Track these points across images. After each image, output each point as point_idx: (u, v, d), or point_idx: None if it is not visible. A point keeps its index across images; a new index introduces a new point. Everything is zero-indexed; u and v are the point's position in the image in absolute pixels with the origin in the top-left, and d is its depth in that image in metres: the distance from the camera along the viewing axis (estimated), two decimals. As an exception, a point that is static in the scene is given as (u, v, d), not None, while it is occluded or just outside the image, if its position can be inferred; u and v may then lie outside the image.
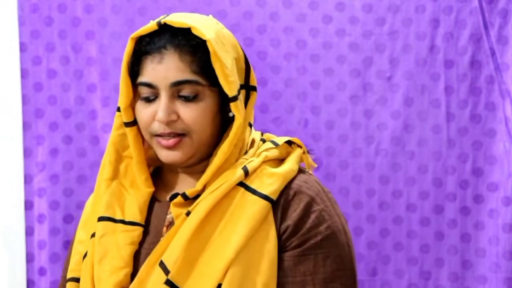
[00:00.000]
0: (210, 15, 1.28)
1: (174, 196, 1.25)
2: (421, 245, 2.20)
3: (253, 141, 1.28)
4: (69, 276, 1.28)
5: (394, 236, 2.20)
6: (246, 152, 1.25)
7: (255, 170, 1.21)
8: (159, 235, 1.24)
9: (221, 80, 1.20)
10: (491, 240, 2.18)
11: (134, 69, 1.23)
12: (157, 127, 1.21)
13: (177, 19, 1.22)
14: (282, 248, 1.19)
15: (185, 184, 1.27)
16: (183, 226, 1.18)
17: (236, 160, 1.23)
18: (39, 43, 2.17)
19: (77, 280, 1.27)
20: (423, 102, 2.20)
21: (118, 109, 1.27)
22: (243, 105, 1.24)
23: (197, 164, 1.25)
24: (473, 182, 2.19)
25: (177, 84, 1.20)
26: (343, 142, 2.21)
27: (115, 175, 1.27)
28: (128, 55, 1.24)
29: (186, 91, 1.20)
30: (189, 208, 1.19)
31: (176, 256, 1.16)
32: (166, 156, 1.22)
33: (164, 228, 1.24)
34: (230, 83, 1.20)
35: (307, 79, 2.21)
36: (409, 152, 2.20)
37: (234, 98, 1.20)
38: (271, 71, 2.20)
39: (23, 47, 2.15)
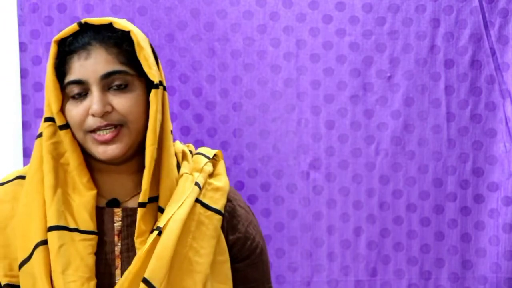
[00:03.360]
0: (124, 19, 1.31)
1: (112, 202, 1.28)
2: (421, 245, 2.19)
3: (184, 153, 1.34)
4: (4, 282, 1.26)
5: (394, 236, 2.19)
6: (178, 163, 1.30)
7: (203, 185, 1.29)
8: (113, 245, 1.26)
9: (146, 68, 1.23)
10: (492, 240, 2.18)
11: (60, 71, 1.24)
12: (92, 122, 1.22)
13: (97, 18, 1.26)
14: (233, 259, 1.31)
15: (119, 187, 1.29)
16: (161, 244, 1.20)
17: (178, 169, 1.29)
18: (38, 43, 2.16)
19: (15, 287, 1.25)
20: (423, 102, 2.20)
21: (45, 120, 1.27)
22: (162, 97, 1.26)
23: (129, 161, 1.27)
24: (474, 182, 2.19)
25: (107, 76, 1.21)
26: (343, 142, 2.20)
27: (57, 182, 1.25)
28: (53, 58, 1.24)
29: (117, 81, 1.22)
30: (159, 224, 1.22)
31: (163, 275, 1.19)
32: (103, 151, 1.22)
33: (116, 237, 1.26)
34: (154, 71, 1.24)
35: (307, 79, 2.20)
36: (409, 152, 2.20)
37: (157, 86, 1.24)
38: (271, 71, 2.20)
39: (22, 47, 2.15)
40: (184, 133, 2.18)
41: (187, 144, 1.39)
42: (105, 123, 1.21)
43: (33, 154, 1.29)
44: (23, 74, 2.16)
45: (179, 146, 1.35)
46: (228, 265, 1.29)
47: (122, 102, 1.22)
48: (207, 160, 1.34)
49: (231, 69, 2.20)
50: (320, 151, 2.20)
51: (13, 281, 1.25)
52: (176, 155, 1.31)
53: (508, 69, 2.18)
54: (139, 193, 1.25)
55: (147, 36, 2.15)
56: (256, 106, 2.20)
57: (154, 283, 1.18)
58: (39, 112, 2.16)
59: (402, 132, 2.20)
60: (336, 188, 2.19)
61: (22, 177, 1.31)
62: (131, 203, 1.28)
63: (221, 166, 1.36)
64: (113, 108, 1.22)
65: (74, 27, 1.24)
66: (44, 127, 1.27)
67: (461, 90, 2.19)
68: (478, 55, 2.19)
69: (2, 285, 1.26)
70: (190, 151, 1.36)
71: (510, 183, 2.17)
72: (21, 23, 2.15)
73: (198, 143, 2.17)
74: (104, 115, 1.21)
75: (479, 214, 2.19)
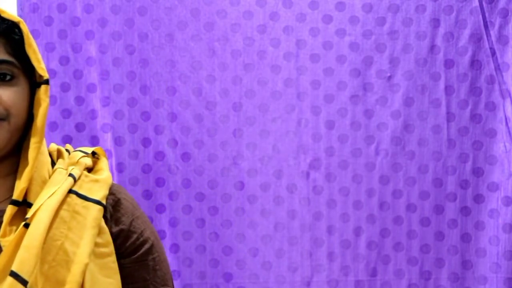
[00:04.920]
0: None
1: None
2: (421, 245, 2.19)
3: (59, 151, 1.28)
4: None
5: (394, 236, 2.19)
6: (53, 162, 1.24)
7: (79, 177, 1.23)
8: None
9: (35, 62, 1.19)
10: (492, 240, 2.17)
11: None
12: None
13: None
14: (118, 254, 1.24)
15: None
16: (29, 235, 1.13)
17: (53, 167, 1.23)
18: (39, 43, 2.15)
19: None
20: (423, 102, 2.20)
21: None
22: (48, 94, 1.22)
23: (1, 163, 1.20)
24: (474, 182, 2.19)
25: None
26: (343, 142, 2.20)
27: None
28: None
29: (3, 71, 1.16)
30: (27, 216, 1.15)
31: (32, 266, 1.11)
32: None
33: None
34: (44, 66, 1.20)
35: (307, 79, 2.20)
36: (409, 152, 2.20)
37: (47, 82, 1.19)
38: (271, 71, 2.20)
39: (22, 47, 2.15)
40: (184, 133, 2.18)
41: (66, 145, 1.33)
42: None
43: None
44: (23, 74, 2.16)
45: (54, 146, 1.30)
46: (113, 259, 1.22)
47: (7, 94, 1.15)
48: (84, 155, 1.28)
49: (231, 69, 2.19)
50: (320, 151, 2.20)
51: None
52: (51, 155, 1.26)
53: (508, 69, 2.17)
54: (10, 197, 1.19)
55: (147, 36, 2.16)
56: (256, 106, 2.20)
57: (23, 275, 1.10)
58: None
59: (402, 132, 2.20)
60: (336, 188, 2.19)
61: None
62: (1, 206, 1.21)
63: (103, 163, 1.30)
64: None
65: None
66: None
67: (461, 90, 2.19)
68: (478, 55, 2.19)
69: None
70: (67, 150, 1.30)
71: (510, 183, 2.17)
72: (21, 23, 2.15)
73: (198, 143, 2.17)
74: None
75: (479, 214, 2.19)
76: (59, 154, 1.27)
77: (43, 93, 1.19)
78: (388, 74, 2.20)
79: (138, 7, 2.18)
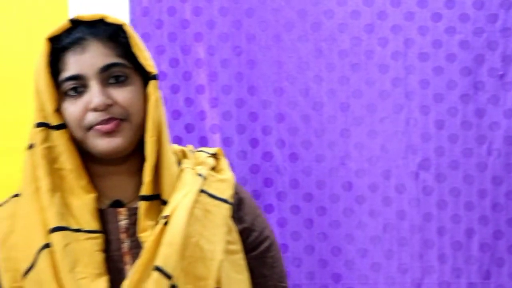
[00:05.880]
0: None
1: (115, 203, 1.26)
2: (537, 248, 2.14)
3: (183, 151, 1.34)
4: None
5: (509, 238, 2.14)
6: (179, 161, 1.30)
7: (207, 177, 1.28)
8: (119, 242, 1.24)
9: (142, 60, 1.23)
10: None
11: (54, 70, 1.22)
12: (93, 117, 1.20)
13: (87, 14, 1.25)
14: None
15: (120, 189, 1.27)
16: (169, 232, 1.19)
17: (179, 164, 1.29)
18: (149, 46, 2.19)
19: None
20: (538, 100, 2.15)
21: (37, 125, 1.24)
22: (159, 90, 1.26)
23: (128, 160, 1.26)
24: None
25: (106, 69, 1.20)
26: (453, 142, 2.16)
27: (54, 187, 1.22)
28: (46, 56, 1.22)
29: (116, 74, 1.21)
30: (164, 214, 1.21)
31: (175, 261, 1.17)
32: (107, 144, 1.20)
33: (123, 235, 1.24)
34: (151, 63, 1.25)
35: (415, 78, 2.17)
36: (524, 152, 2.15)
37: (155, 77, 1.24)
38: (379, 71, 2.18)
39: (135, 50, 2.20)
40: (292, 134, 2.18)
41: (187, 145, 1.38)
42: (107, 116, 1.19)
43: (24, 166, 1.26)
44: (135, 76, 2.22)
45: (177, 146, 1.35)
46: (241, 256, 1.28)
47: (123, 95, 1.21)
48: (208, 155, 1.34)
49: (338, 69, 2.19)
50: (429, 151, 2.17)
51: None
52: (176, 154, 1.31)
53: None
54: (138, 195, 1.24)
55: (255, 37, 2.18)
56: (363, 106, 2.19)
57: (168, 270, 1.16)
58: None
59: (516, 132, 2.15)
60: (446, 188, 2.15)
61: (17, 195, 1.28)
62: (135, 204, 1.26)
63: (224, 163, 1.36)
64: (114, 101, 1.20)
65: (66, 24, 1.23)
66: (35, 134, 1.24)
67: None
68: None
69: None
70: (190, 151, 1.36)
71: None
72: (133, 26, 2.20)
73: (305, 144, 2.17)
74: (105, 108, 1.19)
75: None
76: (184, 154, 1.33)
77: (151, 88, 1.24)
78: (501, 73, 2.16)
79: (246, 8, 2.20)
